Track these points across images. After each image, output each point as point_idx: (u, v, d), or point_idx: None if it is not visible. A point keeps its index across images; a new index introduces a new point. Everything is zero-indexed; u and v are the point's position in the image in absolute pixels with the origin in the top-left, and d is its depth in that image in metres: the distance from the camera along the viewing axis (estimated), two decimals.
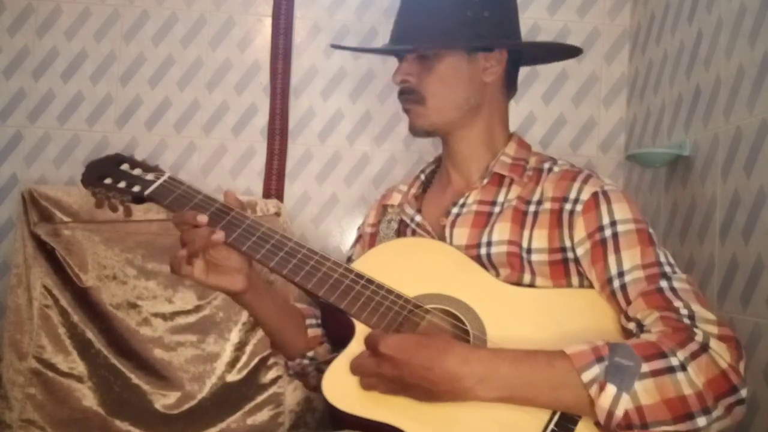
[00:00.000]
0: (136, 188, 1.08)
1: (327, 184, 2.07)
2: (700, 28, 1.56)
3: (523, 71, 1.94)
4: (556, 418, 0.89)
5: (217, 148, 2.07)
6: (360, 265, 1.02)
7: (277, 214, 1.93)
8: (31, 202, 1.88)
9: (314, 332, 1.18)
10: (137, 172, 1.11)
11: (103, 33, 2.07)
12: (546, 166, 1.11)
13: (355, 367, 0.91)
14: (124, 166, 1.12)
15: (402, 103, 1.13)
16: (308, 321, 1.19)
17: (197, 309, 1.88)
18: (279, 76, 2.06)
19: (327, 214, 2.07)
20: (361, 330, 0.95)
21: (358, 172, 2.07)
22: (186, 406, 1.84)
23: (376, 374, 0.89)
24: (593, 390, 0.83)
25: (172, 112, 2.07)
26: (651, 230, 1.01)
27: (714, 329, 0.88)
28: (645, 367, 0.83)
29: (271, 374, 1.87)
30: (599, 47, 1.94)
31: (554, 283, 1.02)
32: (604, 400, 0.83)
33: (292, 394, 1.85)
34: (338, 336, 1.01)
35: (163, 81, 2.07)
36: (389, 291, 0.98)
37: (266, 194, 2.04)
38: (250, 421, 1.85)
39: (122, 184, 1.09)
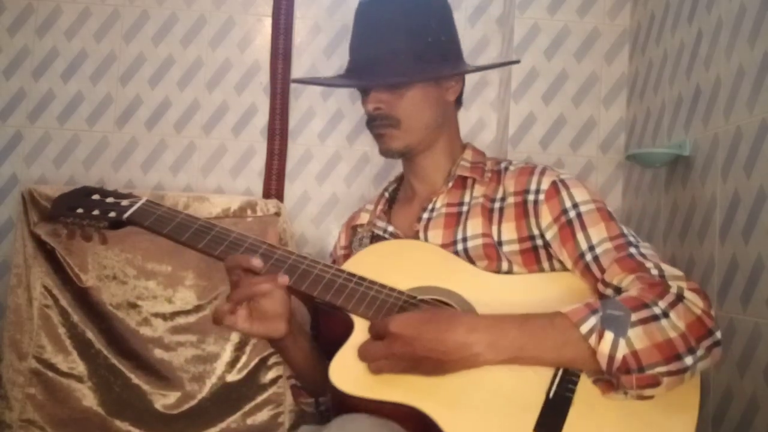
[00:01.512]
0: (112, 214, 1.08)
1: (327, 184, 2.07)
2: (700, 28, 1.55)
3: (523, 72, 1.98)
4: (557, 380, 0.93)
5: (217, 148, 2.07)
6: (348, 267, 1.05)
7: (277, 214, 1.93)
8: (31, 202, 1.88)
9: None
10: (110, 200, 1.11)
11: (103, 33, 2.07)
12: (503, 166, 1.18)
13: (363, 352, 0.93)
14: (95, 196, 1.12)
15: (374, 129, 1.16)
16: None
17: (197, 309, 1.88)
18: (279, 76, 2.06)
19: (327, 214, 2.07)
20: (360, 324, 0.98)
21: (358, 172, 2.07)
22: (186, 406, 1.84)
23: (385, 356, 0.91)
24: (593, 339, 0.89)
25: (172, 112, 2.07)
26: (609, 209, 1.09)
27: (683, 283, 0.96)
28: (633, 317, 0.90)
29: (271, 374, 1.87)
30: (599, 47, 1.94)
31: (528, 270, 1.09)
32: (605, 345, 0.88)
33: None
34: (330, 340, 1.02)
35: (163, 81, 2.07)
36: (382, 286, 1.02)
37: (266, 194, 2.04)
38: (250, 421, 1.85)
39: (96, 212, 1.08)
